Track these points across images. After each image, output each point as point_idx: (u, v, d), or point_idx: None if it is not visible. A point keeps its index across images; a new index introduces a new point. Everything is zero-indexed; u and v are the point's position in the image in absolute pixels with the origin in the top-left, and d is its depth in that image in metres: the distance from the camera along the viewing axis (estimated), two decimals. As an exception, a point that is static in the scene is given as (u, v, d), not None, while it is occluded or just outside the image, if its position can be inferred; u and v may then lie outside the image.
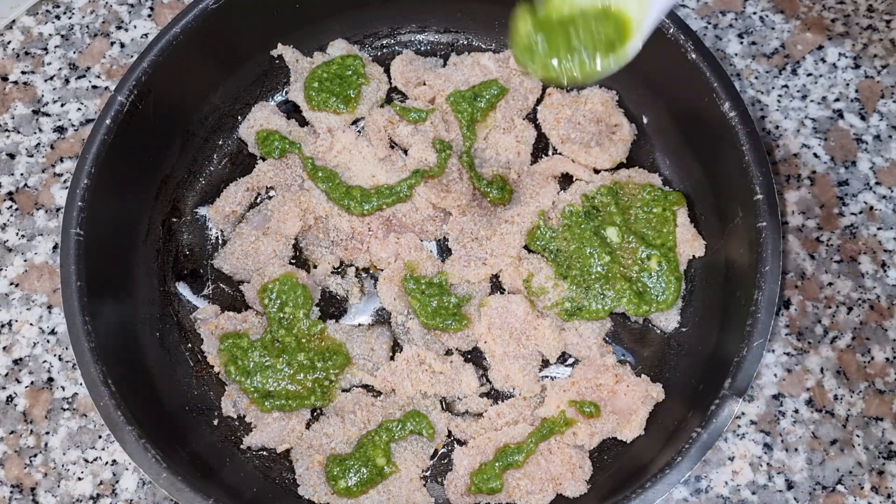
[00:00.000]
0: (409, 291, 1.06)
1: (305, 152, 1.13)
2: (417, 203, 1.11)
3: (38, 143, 1.19)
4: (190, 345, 1.09)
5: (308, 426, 1.04)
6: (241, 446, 1.04)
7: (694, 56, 1.01)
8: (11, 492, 1.04)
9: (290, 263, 1.11)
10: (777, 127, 1.17)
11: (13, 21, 1.26)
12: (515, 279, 1.08)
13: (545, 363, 1.07)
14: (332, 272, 1.11)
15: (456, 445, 1.03)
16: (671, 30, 1.02)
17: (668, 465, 0.89)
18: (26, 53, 1.24)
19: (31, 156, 1.19)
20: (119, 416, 0.91)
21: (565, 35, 0.72)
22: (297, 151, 1.12)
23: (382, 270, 1.09)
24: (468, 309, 1.07)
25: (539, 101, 1.17)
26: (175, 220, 1.14)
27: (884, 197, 1.13)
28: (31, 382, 1.09)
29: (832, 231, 1.12)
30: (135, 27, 1.25)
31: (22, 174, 1.18)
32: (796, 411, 1.05)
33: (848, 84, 1.19)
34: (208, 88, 1.15)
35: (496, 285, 1.10)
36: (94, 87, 1.22)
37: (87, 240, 0.97)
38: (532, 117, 1.16)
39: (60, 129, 1.20)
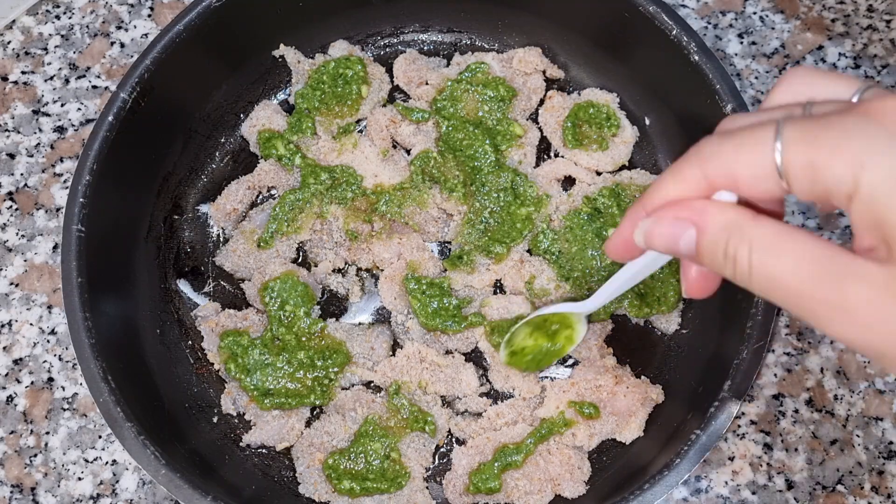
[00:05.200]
0: (410, 291, 1.06)
1: (306, 153, 1.13)
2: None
3: (38, 143, 1.19)
4: (190, 342, 1.09)
5: (308, 424, 1.04)
6: (241, 444, 1.04)
7: (697, 58, 1.01)
8: (11, 492, 1.04)
9: (292, 261, 1.11)
10: (777, 128, 1.17)
11: (13, 21, 1.26)
12: (517, 281, 1.08)
13: (545, 364, 1.07)
14: (333, 271, 1.11)
15: (455, 445, 1.03)
16: (674, 31, 1.02)
17: (666, 466, 0.89)
18: (26, 53, 1.24)
19: (31, 156, 1.19)
20: (118, 413, 0.91)
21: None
22: (299, 157, 1.12)
23: (383, 270, 1.09)
24: (468, 311, 1.06)
25: (541, 103, 1.17)
26: (176, 217, 1.14)
27: (883, 197, 1.13)
28: (31, 382, 1.09)
29: (832, 231, 1.12)
30: (135, 27, 1.26)
31: (22, 174, 1.18)
32: (796, 411, 1.05)
33: (848, 85, 1.19)
34: (210, 86, 1.15)
35: (498, 286, 1.10)
36: (94, 87, 1.22)
37: (89, 236, 0.97)
38: (534, 118, 1.16)
39: (60, 129, 1.20)
